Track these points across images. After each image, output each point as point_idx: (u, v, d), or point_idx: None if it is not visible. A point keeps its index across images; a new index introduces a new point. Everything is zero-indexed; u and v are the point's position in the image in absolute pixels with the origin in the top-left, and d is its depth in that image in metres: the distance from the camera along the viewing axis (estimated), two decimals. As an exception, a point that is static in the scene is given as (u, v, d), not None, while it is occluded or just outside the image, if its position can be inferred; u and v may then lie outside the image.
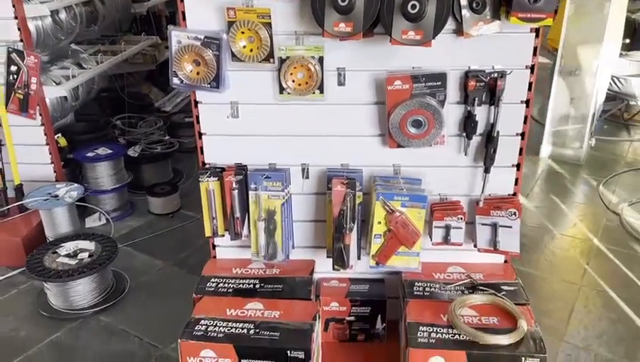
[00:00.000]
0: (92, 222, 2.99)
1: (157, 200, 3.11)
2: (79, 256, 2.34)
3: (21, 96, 2.70)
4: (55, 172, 2.89)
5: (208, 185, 1.79)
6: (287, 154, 1.82)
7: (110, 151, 3.05)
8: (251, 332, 1.60)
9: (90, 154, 3.01)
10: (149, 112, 4.19)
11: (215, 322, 1.64)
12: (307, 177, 1.84)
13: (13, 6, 2.55)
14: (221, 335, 1.59)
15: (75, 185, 2.66)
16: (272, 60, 1.65)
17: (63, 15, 2.98)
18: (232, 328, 1.62)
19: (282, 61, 1.65)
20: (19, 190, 2.80)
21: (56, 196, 2.56)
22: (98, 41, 3.79)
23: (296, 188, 1.86)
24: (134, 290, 2.48)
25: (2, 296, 2.45)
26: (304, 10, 1.59)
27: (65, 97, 2.99)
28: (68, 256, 2.35)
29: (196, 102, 1.79)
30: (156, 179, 3.42)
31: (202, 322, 1.65)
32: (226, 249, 2.01)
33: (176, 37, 1.62)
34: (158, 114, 4.20)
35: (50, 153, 2.85)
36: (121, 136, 3.70)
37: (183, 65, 1.64)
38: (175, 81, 1.68)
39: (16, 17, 2.58)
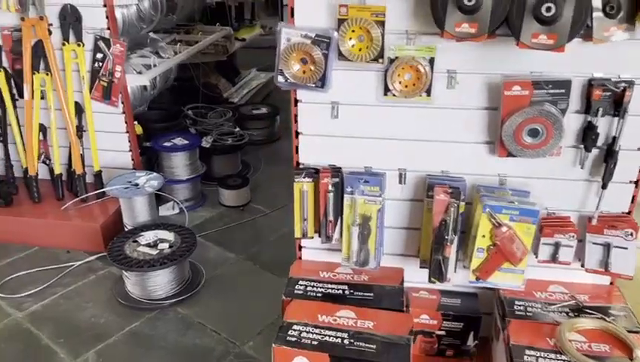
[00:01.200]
0: (166, 210, 3.01)
1: (229, 193, 3.10)
2: (159, 247, 2.35)
3: (105, 84, 2.72)
4: (133, 160, 2.92)
5: (302, 185, 1.74)
6: (385, 158, 1.74)
7: (186, 142, 3.05)
8: (346, 342, 1.54)
9: (167, 144, 3.02)
10: (218, 103, 4.20)
11: (308, 328, 1.59)
12: (404, 182, 1.77)
13: (104, -6, 2.58)
14: (315, 342, 1.54)
15: (155, 174, 2.67)
16: (380, 60, 1.57)
17: (146, 4, 2.99)
18: (325, 336, 1.57)
19: (391, 61, 1.58)
20: (98, 176, 2.84)
21: (137, 185, 2.58)
22: (174, 30, 3.81)
23: (390, 194, 1.78)
24: (210, 283, 2.47)
25: (82, 281, 2.50)
26: (421, 8, 1.50)
27: (145, 86, 3.01)
28: (148, 245, 2.36)
29: (296, 101, 1.73)
30: (226, 170, 3.42)
31: (295, 327, 1.60)
32: (312, 251, 1.95)
33: (286, 34, 1.56)
34: (227, 105, 4.21)
35: (129, 141, 2.88)
36: (193, 125, 3.71)
37: (290, 64, 1.59)
38: (280, 79, 1.63)
39: (104, 5, 2.60)
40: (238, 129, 3.59)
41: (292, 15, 1.60)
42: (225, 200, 3.13)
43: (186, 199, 3.07)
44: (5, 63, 2.76)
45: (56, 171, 2.81)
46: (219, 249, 2.73)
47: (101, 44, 2.65)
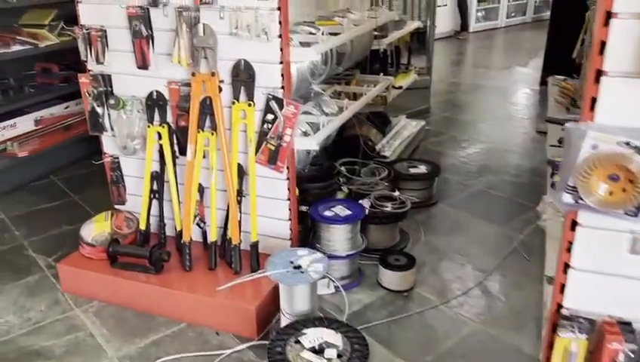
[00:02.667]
0: (320, 287, 2.65)
1: (391, 274, 2.67)
2: (326, 355, 1.96)
3: (272, 147, 2.44)
4: (291, 229, 2.60)
5: (570, 343, 1.25)
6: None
7: (349, 213, 2.69)
8: None
9: (327, 213, 2.67)
10: (369, 157, 3.84)
11: None
12: None
13: (281, 49, 2.30)
14: None
15: (319, 255, 2.31)
16: None
17: (318, 57, 2.70)
18: None
19: None
20: (254, 247, 2.55)
21: (299, 267, 2.24)
22: (333, 81, 3.52)
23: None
24: (379, 402, 2.05)
25: (232, 375, 2.19)
26: None
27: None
28: (313, 350, 1.98)
29: (573, 224, 1.26)
30: (383, 242, 3.00)
31: None
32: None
33: (593, 139, 1.10)
34: (379, 159, 3.83)
35: (289, 209, 2.57)
36: (345, 184, 3.36)
37: (591, 183, 1.12)
38: (566, 199, 1.16)
39: (281, 62, 2.32)
40: (397, 193, 3.17)
41: (592, 108, 1.12)
42: (385, 281, 2.70)
43: (342, 277, 2.69)
44: (170, 118, 2.59)
45: (212, 237, 2.57)
46: (384, 351, 2.29)
47: (273, 104, 2.37)
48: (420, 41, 5.71)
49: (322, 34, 2.65)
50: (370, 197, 3.10)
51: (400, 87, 4.11)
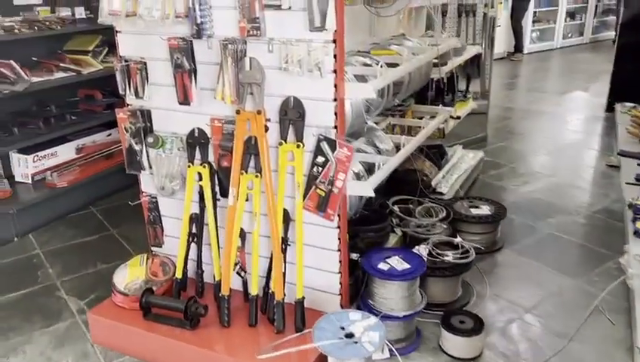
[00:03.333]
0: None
1: (456, 340, 2.34)
2: None
3: (322, 193, 2.18)
4: (341, 283, 2.32)
5: None
6: None
7: (407, 266, 2.38)
8: None
9: (382, 267, 2.38)
10: (423, 193, 3.52)
11: None
12: None
13: (335, 86, 2.05)
14: None
15: (374, 320, 2.02)
16: None
17: (374, 94, 2.43)
18: None
19: None
20: (300, 304, 2.28)
21: (351, 335, 1.95)
22: (387, 112, 3.25)
23: None
24: None
25: None
26: None
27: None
28: None
29: None
30: (443, 296, 2.68)
31: None
32: None
33: None
34: (434, 196, 3.51)
35: (339, 261, 2.30)
36: (399, 226, 3.06)
37: None
38: None
39: (334, 99, 2.07)
40: (459, 240, 2.84)
41: None
42: (448, 346, 2.37)
43: (397, 339, 2.38)
44: (212, 157, 2.38)
45: (253, 290, 2.31)
46: None
47: (324, 145, 2.11)
48: (473, 63, 5.39)
49: (380, 66, 2.38)
50: (428, 243, 2.79)
51: (458, 118, 3.80)
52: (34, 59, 3.75)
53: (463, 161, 4.19)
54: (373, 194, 2.22)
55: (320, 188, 2.17)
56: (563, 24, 10.77)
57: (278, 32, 2.05)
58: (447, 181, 3.77)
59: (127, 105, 2.47)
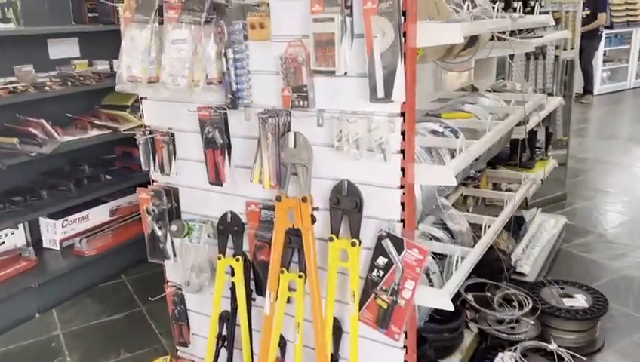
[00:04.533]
0: None
1: None
2: None
3: (384, 304, 1.69)
4: (406, 416, 1.81)
5: None
6: None
7: (494, 397, 1.85)
8: None
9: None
10: (499, 271, 2.96)
11: None
12: None
13: (402, 170, 1.59)
14: None
15: None
16: None
17: (454, 180, 1.95)
18: None
19: None
20: None
21: None
22: (459, 183, 2.75)
23: None
24: None
25: None
26: None
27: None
28: None
29: None
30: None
31: None
32: None
33: None
34: (515, 277, 2.95)
35: (404, 389, 1.79)
36: (474, 321, 2.51)
37: None
38: None
39: (401, 186, 1.61)
40: (556, 347, 2.26)
41: None
42: None
43: None
44: (246, 246, 1.95)
45: (294, 420, 1.84)
46: None
47: (388, 244, 1.64)
48: (551, 114, 4.84)
49: (457, 137, 1.91)
50: (516, 351, 2.23)
51: (542, 181, 3.24)
52: (68, 115, 3.51)
53: (543, 228, 3.60)
54: (451, 307, 1.70)
55: (381, 298, 1.69)
56: (636, 63, 9.96)
57: (330, 103, 1.63)
58: (529, 257, 3.19)
59: (153, 181, 2.10)
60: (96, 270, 3.42)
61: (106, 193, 3.57)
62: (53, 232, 3.36)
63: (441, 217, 2.26)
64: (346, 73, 1.55)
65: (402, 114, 1.54)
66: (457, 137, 2.11)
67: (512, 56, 4.46)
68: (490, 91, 3.43)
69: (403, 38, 1.46)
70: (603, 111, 8.58)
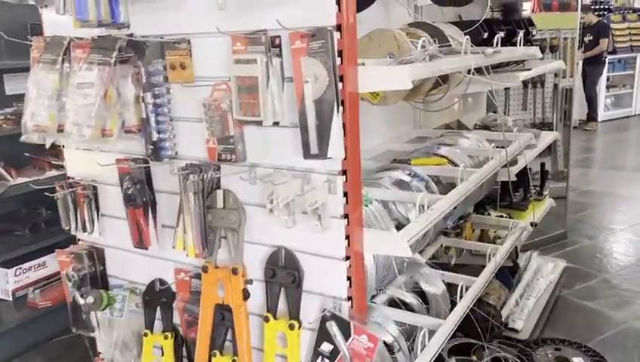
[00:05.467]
0: None
1: None
2: None
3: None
4: None
5: None
6: None
7: None
8: None
9: None
10: (489, 330, 2.65)
11: None
12: None
13: (347, 238, 1.31)
14: None
15: None
16: None
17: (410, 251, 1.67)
18: None
19: None
20: None
21: None
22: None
23: None
24: None
25: None
26: None
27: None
28: None
29: None
30: None
31: None
32: None
33: None
34: (507, 334, 2.64)
35: None
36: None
37: None
38: None
39: (347, 257, 1.32)
40: None
41: None
42: None
43: None
44: (177, 318, 1.67)
45: None
46: None
47: (333, 328, 1.35)
48: (549, 148, 4.58)
49: (428, 187, 1.63)
50: None
51: (535, 225, 2.94)
52: (27, 154, 3.28)
53: (540, 274, 3.28)
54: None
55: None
56: (642, 88, 9.71)
57: (263, 157, 1.37)
58: (522, 310, 2.87)
59: (78, 240, 1.84)
60: (50, 322, 3.13)
61: (65, 238, 3.31)
62: (5, 281, 3.10)
63: (414, 276, 1.97)
64: (277, 123, 1.29)
65: (344, 172, 1.27)
66: (427, 187, 1.84)
67: (491, 92, 4.18)
68: (478, 126, 3.16)
69: (341, 83, 1.20)
70: (607, 139, 8.28)
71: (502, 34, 2.75)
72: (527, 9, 4.38)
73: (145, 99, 1.45)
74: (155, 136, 1.47)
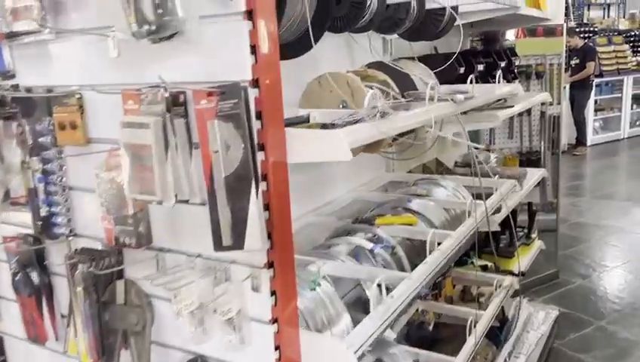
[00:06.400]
0: None
1: None
2: None
3: None
4: None
5: None
6: None
7: None
8: None
9: None
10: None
11: None
12: None
13: (277, 349, 1.01)
14: None
15: None
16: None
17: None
18: None
19: None
20: None
21: None
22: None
23: None
24: None
25: None
26: None
27: None
28: None
29: None
30: None
31: None
32: None
33: None
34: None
35: None
36: None
37: None
38: None
39: (279, 371, 1.03)
40: None
41: None
42: None
43: None
44: None
45: None
46: None
47: None
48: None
49: (394, 253, 1.34)
50: None
51: (522, 275, 2.66)
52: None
53: (530, 326, 2.99)
54: None
55: None
56: (629, 111, 9.57)
57: (173, 241, 1.08)
58: (512, 370, 2.58)
59: (-27, 324, 1.53)
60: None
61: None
62: None
63: (381, 359, 1.67)
64: (187, 201, 1.01)
65: (271, 264, 0.98)
66: (394, 254, 1.55)
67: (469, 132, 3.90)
68: (459, 164, 2.90)
69: (261, 153, 0.92)
70: (597, 165, 8.08)
71: (481, 67, 2.51)
72: (509, 38, 4.18)
73: (31, 165, 1.16)
74: (44, 211, 1.18)
